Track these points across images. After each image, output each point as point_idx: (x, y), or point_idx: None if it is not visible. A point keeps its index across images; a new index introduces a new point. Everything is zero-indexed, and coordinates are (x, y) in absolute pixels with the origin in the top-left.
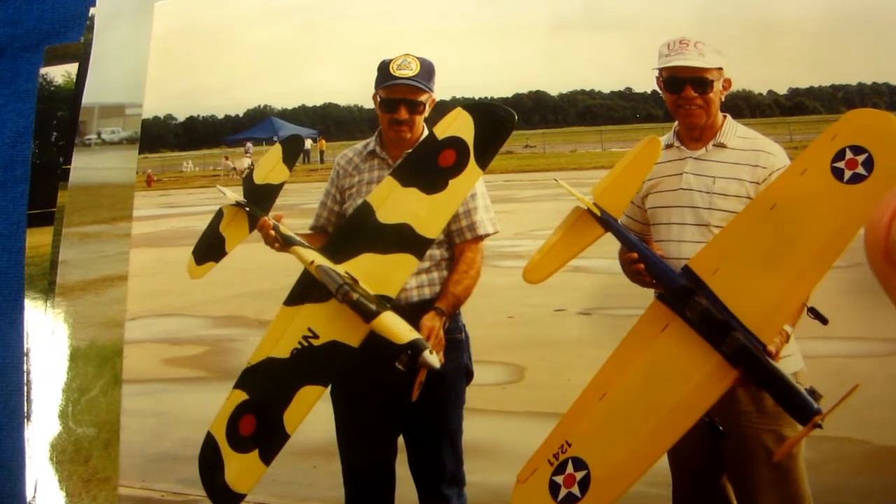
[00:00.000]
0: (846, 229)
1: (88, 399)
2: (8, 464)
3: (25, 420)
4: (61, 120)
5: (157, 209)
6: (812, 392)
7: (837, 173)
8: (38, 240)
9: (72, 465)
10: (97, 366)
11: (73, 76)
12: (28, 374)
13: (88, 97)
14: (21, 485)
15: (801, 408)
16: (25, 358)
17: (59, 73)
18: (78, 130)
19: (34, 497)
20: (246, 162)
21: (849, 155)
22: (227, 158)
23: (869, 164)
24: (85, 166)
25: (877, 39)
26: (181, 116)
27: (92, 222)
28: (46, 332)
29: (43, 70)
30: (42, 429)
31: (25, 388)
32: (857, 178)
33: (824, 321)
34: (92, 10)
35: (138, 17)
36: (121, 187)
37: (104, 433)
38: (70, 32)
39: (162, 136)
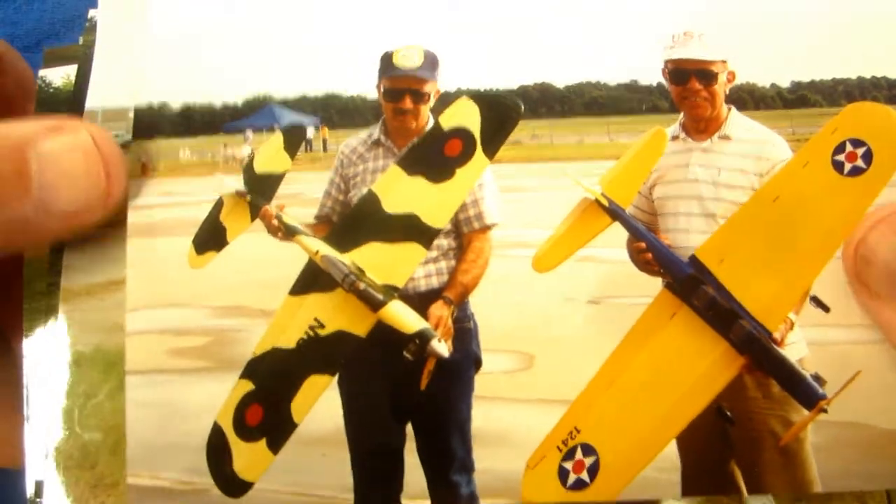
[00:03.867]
0: (846, 221)
1: (94, 404)
2: (8, 468)
3: (25, 423)
4: None
5: (155, 198)
6: (817, 378)
7: (838, 166)
8: None
9: (79, 471)
10: (102, 370)
11: (72, 78)
12: (29, 379)
13: (91, 101)
14: (21, 489)
15: (807, 393)
16: (25, 360)
17: (59, 76)
18: None
19: (37, 502)
20: (245, 150)
21: (849, 148)
22: (225, 146)
23: (868, 157)
24: None
25: (877, 33)
26: (178, 103)
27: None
28: (48, 337)
29: (42, 72)
30: (47, 434)
31: (26, 392)
32: (856, 171)
33: (826, 309)
34: (92, 12)
35: (142, 17)
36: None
37: (111, 438)
38: (70, 33)
39: (157, 123)
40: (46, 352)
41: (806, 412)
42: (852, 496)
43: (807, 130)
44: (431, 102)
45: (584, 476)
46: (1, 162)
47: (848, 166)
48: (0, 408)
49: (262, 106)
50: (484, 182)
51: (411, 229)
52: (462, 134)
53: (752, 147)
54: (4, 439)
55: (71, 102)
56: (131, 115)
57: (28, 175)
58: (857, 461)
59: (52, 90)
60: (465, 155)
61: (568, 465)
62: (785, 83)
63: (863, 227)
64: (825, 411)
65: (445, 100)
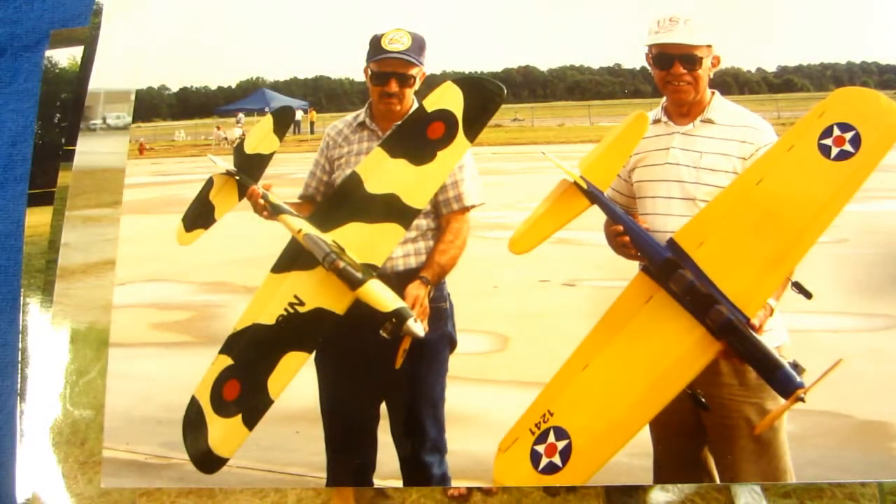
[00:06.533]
0: (832, 205)
1: (86, 381)
2: (1, 444)
3: (19, 402)
4: (65, 102)
5: (149, 177)
6: (795, 366)
7: (824, 150)
8: (38, 219)
9: (68, 448)
10: (95, 348)
11: (78, 59)
12: (25, 356)
13: (95, 83)
14: (13, 465)
15: (784, 381)
16: (21, 336)
17: (65, 56)
18: (83, 115)
19: (28, 478)
20: (237, 132)
21: (836, 132)
22: (218, 128)
23: (856, 142)
24: (89, 150)
25: (866, 17)
26: (176, 86)
27: (95, 206)
28: (45, 315)
29: (48, 53)
30: (39, 411)
31: (20, 368)
32: (844, 155)
33: (808, 296)
34: None
35: (144, 4)
36: (124, 172)
37: (101, 416)
38: None
39: (155, 105)
40: (42, 328)
41: (782, 400)
42: (841, 489)
43: (792, 114)
44: (417, 85)
45: (556, 460)
46: None
47: (835, 150)
48: None
49: (255, 89)
50: (464, 164)
51: (392, 209)
52: (445, 117)
53: (735, 131)
54: None
55: (76, 83)
56: (132, 97)
57: None
58: (834, 451)
59: (57, 70)
60: (448, 137)
61: (540, 449)
62: (771, 67)
63: None
64: (802, 400)
65: (430, 82)
